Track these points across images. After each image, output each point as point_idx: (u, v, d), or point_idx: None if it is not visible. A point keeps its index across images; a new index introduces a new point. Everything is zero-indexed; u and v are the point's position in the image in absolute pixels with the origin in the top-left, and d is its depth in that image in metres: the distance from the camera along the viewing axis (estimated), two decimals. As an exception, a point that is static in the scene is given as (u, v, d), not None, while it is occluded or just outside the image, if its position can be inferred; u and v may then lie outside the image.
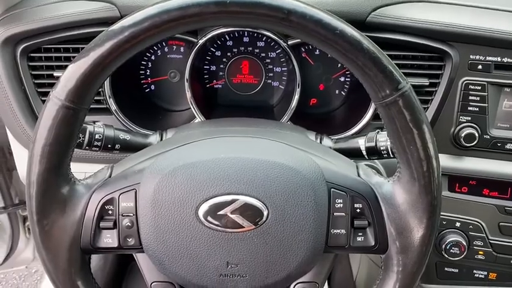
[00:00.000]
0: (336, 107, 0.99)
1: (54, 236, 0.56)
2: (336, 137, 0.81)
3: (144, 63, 0.97)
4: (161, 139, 0.76)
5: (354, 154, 0.74)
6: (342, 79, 0.97)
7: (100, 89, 0.85)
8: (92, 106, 0.55)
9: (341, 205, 0.58)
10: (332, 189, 0.58)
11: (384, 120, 0.53)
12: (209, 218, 0.56)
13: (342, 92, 0.98)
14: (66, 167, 0.55)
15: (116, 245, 0.59)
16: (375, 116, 0.86)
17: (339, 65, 0.96)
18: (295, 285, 0.66)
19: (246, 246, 0.56)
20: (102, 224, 0.58)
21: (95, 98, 0.78)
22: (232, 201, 0.55)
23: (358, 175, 0.60)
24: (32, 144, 0.52)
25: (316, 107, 0.99)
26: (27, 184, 0.54)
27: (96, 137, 0.71)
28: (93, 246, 0.58)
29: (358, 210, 0.58)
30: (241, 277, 0.58)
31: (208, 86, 0.98)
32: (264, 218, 0.56)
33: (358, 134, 0.86)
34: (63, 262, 0.57)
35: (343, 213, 0.58)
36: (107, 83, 0.85)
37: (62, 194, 0.56)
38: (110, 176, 0.60)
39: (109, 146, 0.73)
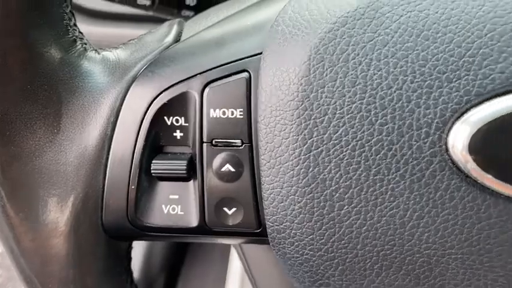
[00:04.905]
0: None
1: (33, 193, 0.25)
2: None
3: None
4: None
5: None
6: None
7: None
8: None
9: None
10: None
11: None
12: (477, 160, 0.23)
13: None
14: (60, 8, 0.25)
15: (193, 222, 0.27)
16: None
17: None
18: None
19: None
20: (156, 166, 0.27)
21: None
22: None
23: None
24: None
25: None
26: None
27: None
28: (135, 221, 0.27)
29: None
30: None
31: None
32: None
33: None
34: (59, 261, 0.26)
35: None
36: None
37: (54, 77, 0.25)
38: (176, 41, 0.29)
39: None
